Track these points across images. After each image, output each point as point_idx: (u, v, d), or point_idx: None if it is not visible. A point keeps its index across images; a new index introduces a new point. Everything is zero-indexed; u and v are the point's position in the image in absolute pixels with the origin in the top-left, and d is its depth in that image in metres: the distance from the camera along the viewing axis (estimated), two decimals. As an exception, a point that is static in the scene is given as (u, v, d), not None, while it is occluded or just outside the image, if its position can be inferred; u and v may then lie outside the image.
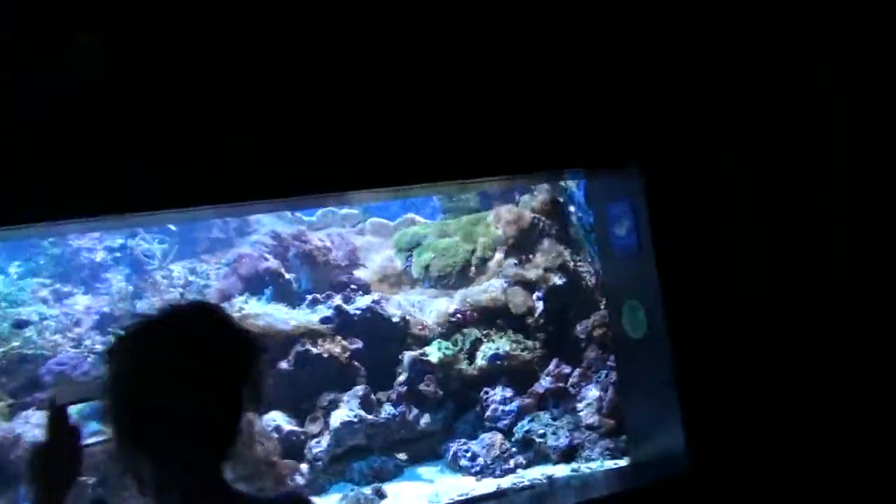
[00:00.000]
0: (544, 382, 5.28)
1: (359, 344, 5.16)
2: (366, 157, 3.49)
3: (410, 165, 3.67)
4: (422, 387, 5.12)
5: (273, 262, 5.38)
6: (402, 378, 5.16)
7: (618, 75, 3.99)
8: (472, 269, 5.79)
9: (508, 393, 5.25)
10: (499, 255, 5.72)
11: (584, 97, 3.94)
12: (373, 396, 5.09)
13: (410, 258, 5.93)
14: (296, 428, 4.92)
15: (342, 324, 5.21)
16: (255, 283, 5.38)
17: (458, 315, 5.35)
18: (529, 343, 5.46)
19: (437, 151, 3.69)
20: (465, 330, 5.44)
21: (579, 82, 3.93)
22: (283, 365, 5.02)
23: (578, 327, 5.50)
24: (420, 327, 5.45)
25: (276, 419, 4.89)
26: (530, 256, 5.66)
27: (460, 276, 5.78)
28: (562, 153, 4.06)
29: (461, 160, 3.82)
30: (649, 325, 4.30)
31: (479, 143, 3.78)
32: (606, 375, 5.15)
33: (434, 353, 5.20)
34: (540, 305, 5.53)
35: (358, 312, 5.26)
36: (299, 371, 5.03)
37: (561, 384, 5.27)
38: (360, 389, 5.01)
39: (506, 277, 5.59)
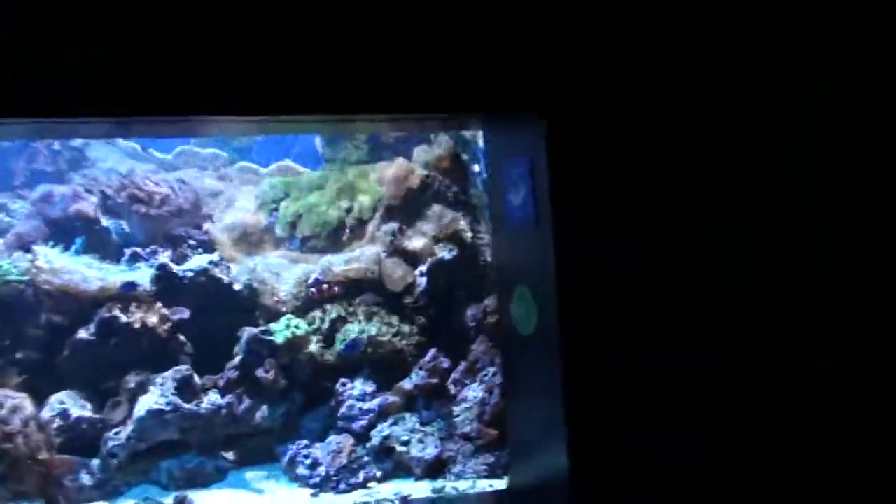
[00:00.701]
0: (415, 377, 4.45)
1: (184, 314, 4.26)
2: (221, 78, 2.93)
3: (273, 93, 3.03)
4: (259, 373, 4.25)
5: (87, 205, 4.44)
6: (235, 361, 4.29)
7: (529, 12, 3.29)
8: (347, 231, 4.93)
9: (370, 387, 4.40)
10: (379, 218, 4.86)
11: (485, 31, 3.25)
12: (197, 380, 4.21)
13: (276, 213, 5.05)
14: (90, 414, 4.03)
15: (166, 288, 4.29)
16: (66, 229, 4.45)
17: (314, 289, 4.48)
18: (405, 328, 4.60)
19: (307, 78, 3.07)
20: (328, 306, 4.58)
21: (481, 15, 3.24)
22: (83, 334, 4.11)
23: (468, 312, 4.64)
24: (275, 298, 4.58)
25: (65, 402, 4.00)
26: (416, 222, 4.81)
27: (331, 238, 4.90)
28: (451, 93, 3.30)
29: (336, 92, 3.21)
30: (540, 318, 3.53)
31: (358, 73, 3.12)
32: (494, 375, 4.34)
33: (280, 331, 4.33)
34: (422, 282, 4.67)
35: (189, 275, 4.34)
36: (102, 344, 4.12)
37: (435, 381, 4.43)
38: (178, 371, 4.11)
39: (384, 245, 4.74)
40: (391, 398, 4.36)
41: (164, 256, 4.34)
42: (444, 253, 4.67)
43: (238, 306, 4.46)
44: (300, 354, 4.36)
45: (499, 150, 3.84)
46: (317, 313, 4.53)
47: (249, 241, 5.08)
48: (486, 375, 4.42)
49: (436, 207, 4.84)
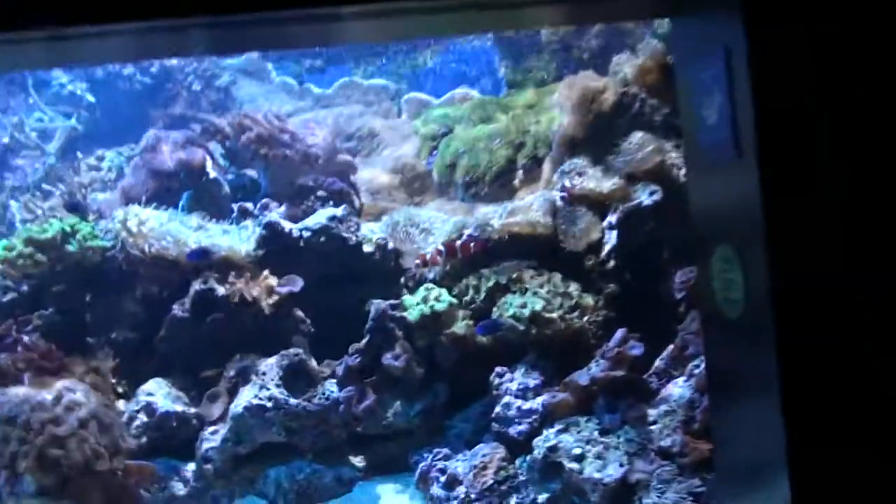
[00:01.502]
0: (596, 368, 3.39)
1: (296, 285, 3.50)
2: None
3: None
4: (387, 359, 3.43)
5: (195, 153, 3.82)
6: (360, 344, 3.50)
7: None
8: (519, 173, 3.94)
9: (534, 380, 3.42)
10: (557, 153, 3.82)
11: None
12: (314, 366, 3.48)
13: (436, 152, 4.17)
14: (182, 408, 3.42)
15: (276, 251, 3.59)
16: (174, 183, 3.88)
17: (443, 247, 3.53)
18: (586, 299, 3.56)
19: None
20: (486, 271, 3.65)
21: None
22: (178, 311, 3.52)
23: (676, 278, 3.52)
24: (420, 261, 3.73)
25: (153, 394, 3.43)
26: (608, 157, 3.71)
27: (500, 183, 3.94)
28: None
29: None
30: (748, 293, 2.40)
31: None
32: (710, 365, 3.19)
33: (414, 305, 3.47)
34: (612, 237, 3.58)
35: (306, 234, 3.60)
36: (198, 322, 3.49)
37: (622, 372, 3.35)
38: (286, 356, 3.39)
39: (562, 190, 3.70)
40: (561, 395, 3.34)
41: (276, 213, 3.63)
42: (643, 196, 3.54)
43: (370, 273, 3.67)
44: (442, 335, 3.47)
45: (686, 48, 2.67)
46: (470, 281, 3.61)
47: (409, 189, 4.26)
48: (697, 367, 3.29)
49: (636, 135, 3.71)
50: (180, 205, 3.77)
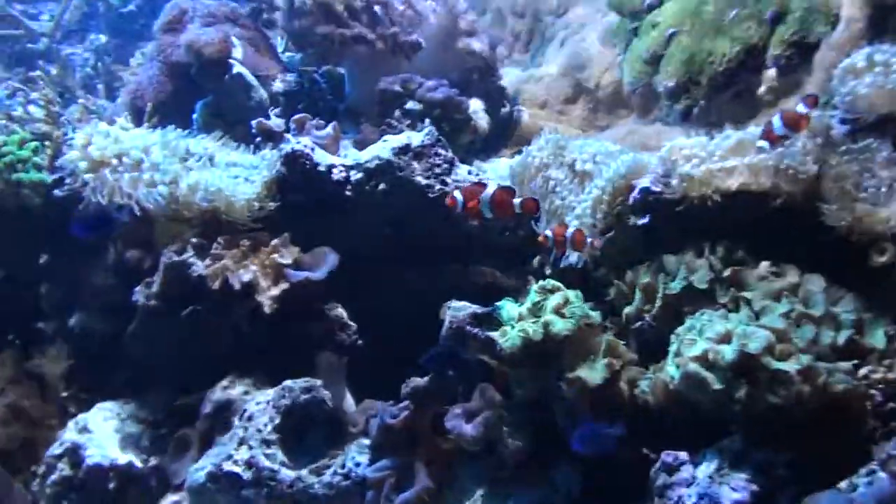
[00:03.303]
0: (865, 487, 1.74)
1: (319, 269, 2.13)
2: None
3: None
4: (455, 416, 2.01)
5: (210, 37, 2.55)
6: (418, 381, 2.11)
7: None
8: (771, 73, 2.28)
9: (732, 490, 1.83)
10: (846, 35, 2.11)
11: None
12: (346, 411, 2.17)
13: (632, 38, 2.61)
14: (134, 460, 2.26)
15: (303, 204, 2.27)
16: (183, 83, 2.66)
17: (460, 195, 1.93)
18: (875, 334, 1.87)
19: None
20: (671, 258, 2.07)
21: None
22: (143, 296, 2.31)
23: None
24: (560, 230, 2.22)
25: (93, 429, 2.29)
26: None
27: (731, 92, 2.31)
28: None
29: None
30: None
31: None
32: None
33: (513, 319, 2.01)
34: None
35: (355, 177, 2.25)
36: (174, 315, 2.28)
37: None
38: (289, 392, 2.11)
39: (846, 104, 2.01)
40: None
41: (310, 138, 2.29)
42: None
43: (468, 249, 2.25)
44: (563, 381, 1.99)
45: None
46: (640, 275, 2.07)
47: (594, 101, 2.76)
48: None
49: None
50: (194, 119, 2.60)
